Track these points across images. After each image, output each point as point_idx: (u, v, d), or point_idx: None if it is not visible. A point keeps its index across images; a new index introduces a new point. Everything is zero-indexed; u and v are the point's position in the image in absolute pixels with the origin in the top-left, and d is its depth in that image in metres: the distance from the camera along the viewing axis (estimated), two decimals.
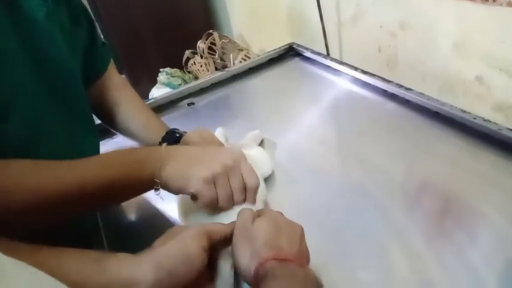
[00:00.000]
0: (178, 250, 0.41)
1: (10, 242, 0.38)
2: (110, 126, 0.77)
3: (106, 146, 0.93)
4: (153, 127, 0.72)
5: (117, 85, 0.75)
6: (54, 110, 0.54)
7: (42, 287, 0.24)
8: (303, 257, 0.43)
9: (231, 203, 0.54)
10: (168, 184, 0.52)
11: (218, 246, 0.45)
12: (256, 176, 0.56)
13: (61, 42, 0.55)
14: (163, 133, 0.70)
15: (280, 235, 0.43)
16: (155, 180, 0.52)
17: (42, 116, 0.52)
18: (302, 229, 0.46)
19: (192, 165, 0.52)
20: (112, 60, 0.77)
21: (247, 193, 0.55)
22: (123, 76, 0.81)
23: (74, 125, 0.58)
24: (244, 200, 0.55)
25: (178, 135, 0.70)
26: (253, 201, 0.55)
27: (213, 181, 0.52)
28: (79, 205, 0.48)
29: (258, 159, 0.73)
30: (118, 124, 0.74)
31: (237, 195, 0.54)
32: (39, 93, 0.52)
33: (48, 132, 0.53)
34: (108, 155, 0.53)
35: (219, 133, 0.81)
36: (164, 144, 0.56)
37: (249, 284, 0.41)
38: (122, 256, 0.42)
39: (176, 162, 0.52)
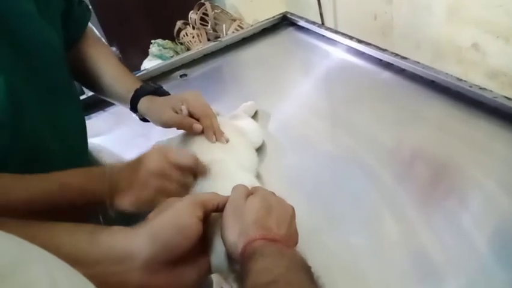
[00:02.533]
0: (172, 221, 0.41)
1: None
2: (88, 87, 0.76)
3: (99, 119, 0.92)
4: (125, 78, 0.72)
5: (91, 43, 0.73)
6: (33, 83, 0.53)
7: (30, 256, 0.23)
8: (291, 238, 0.43)
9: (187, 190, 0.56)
10: (123, 212, 0.52)
11: (212, 219, 0.45)
12: (188, 154, 0.57)
13: (33, 13, 0.53)
14: (136, 85, 0.70)
15: (270, 215, 0.43)
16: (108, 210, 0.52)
17: (21, 89, 0.51)
18: (293, 210, 0.46)
19: (129, 192, 0.51)
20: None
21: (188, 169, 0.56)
22: (95, 32, 0.79)
23: (55, 96, 0.57)
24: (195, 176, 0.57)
25: (152, 88, 0.70)
26: (203, 171, 0.57)
27: (159, 194, 0.52)
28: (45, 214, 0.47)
29: (248, 130, 0.73)
30: (91, 80, 0.72)
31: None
32: (15, 66, 0.50)
33: (30, 105, 0.52)
34: (55, 177, 0.50)
35: None
36: (106, 169, 0.53)
37: (234, 259, 0.41)
38: (117, 229, 0.41)
39: (123, 195, 0.51)
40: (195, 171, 0.57)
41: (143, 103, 0.68)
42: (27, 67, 0.52)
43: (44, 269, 0.23)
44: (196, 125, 0.64)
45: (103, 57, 0.72)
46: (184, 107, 0.65)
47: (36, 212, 0.46)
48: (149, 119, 0.69)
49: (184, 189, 0.55)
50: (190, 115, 0.65)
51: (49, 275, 0.23)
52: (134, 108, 0.69)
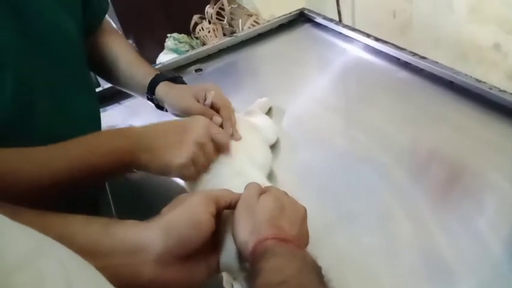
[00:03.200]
0: (186, 216, 0.41)
1: (14, 207, 0.38)
2: (104, 76, 0.75)
3: (114, 111, 0.93)
4: (143, 65, 0.71)
5: (108, 33, 0.73)
6: (47, 71, 0.52)
7: (43, 247, 0.24)
8: (302, 239, 0.43)
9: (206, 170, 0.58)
10: (149, 171, 0.53)
11: (224, 216, 0.45)
12: (224, 132, 0.60)
13: (51, 3, 0.53)
14: (154, 72, 0.69)
15: (282, 215, 0.42)
16: (134, 169, 0.52)
17: (34, 77, 0.50)
18: (305, 211, 0.46)
19: (166, 151, 0.53)
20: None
21: (222, 149, 0.59)
22: (112, 24, 0.78)
23: (70, 87, 0.57)
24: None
25: (172, 75, 0.70)
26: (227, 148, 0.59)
27: (191, 163, 0.53)
28: (69, 188, 0.48)
29: (263, 127, 0.73)
30: (108, 68, 0.71)
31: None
32: (29, 53, 0.50)
33: (43, 93, 0.52)
34: (82, 141, 0.51)
35: None
36: (133, 127, 0.54)
37: (244, 258, 0.41)
38: (131, 222, 0.42)
39: (150, 150, 0.52)
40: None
41: (162, 87, 0.67)
42: (40, 52, 0.52)
43: (58, 260, 0.24)
44: (217, 117, 0.63)
45: (120, 46, 0.72)
46: (210, 96, 0.64)
47: (75, 183, 0.47)
48: (165, 105, 0.68)
49: (207, 166, 0.57)
50: (211, 106, 0.65)
51: (62, 266, 0.23)
52: (151, 91, 0.68)
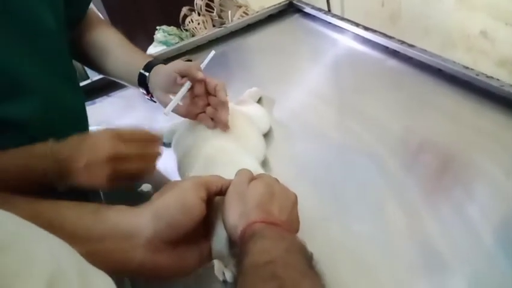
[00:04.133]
0: (176, 200, 0.41)
1: (4, 194, 0.38)
2: (93, 67, 0.73)
3: (103, 104, 0.92)
4: (134, 53, 0.69)
5: (95, 23, 0.71)
6: (31, 64, 0.51)
7: (28, 230, 0.24)
8: (292, 225, 0.43)
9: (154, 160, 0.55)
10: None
11: (215, 203, 0.45)
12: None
13: None
14: (147, 58, 0.67)
15: (272, 200, 0.43)
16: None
17: (19, 71, 0.49)
18: (296, 198, 0.46)
19: (92, 175, 0.48)
20: None
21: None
22: (99, 15, 0.77)
23: (54, 78, 0.55)
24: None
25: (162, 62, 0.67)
26: None
27: (123, 176, 0.50)
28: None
29: (256, 116, 0.73)
30: (98, 58, 0.69)
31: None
32: (11, 46, 0.49)
33: (28, 87, 0.51)
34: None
35: None
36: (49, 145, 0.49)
37: (234, 242, 0.42)
38: (121, 207, 0.42)
39: (78, 173, 0.48)
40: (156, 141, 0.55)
41: (153, 71, 0.65)
42: (22, 45, 0.50)
43: (43, 242, 0.24)
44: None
45: (109, 34, 0.70)
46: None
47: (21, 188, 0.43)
48: (152, 89, 0.66)
49: (150, 161, 0.54)
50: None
51: (48, 247, 0.23)
52: (144, 79, 0.66)
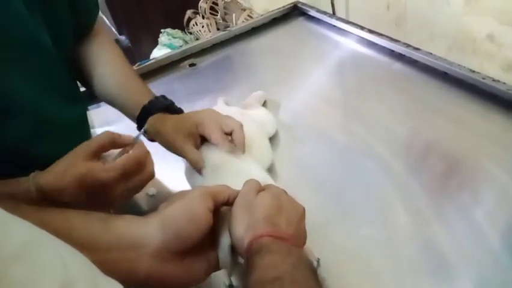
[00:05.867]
0: (183, 210, 0.41)
1: (13, 202, 0.38)
2: (89, 90, 0.68)
3: (108, 107, 0.92)
4: (134, 88, 0.64)
5: (100, 41, 0.67)
6: (24, 83, 0.49)
7: (40, 238, 0.23)
8: (299, 238, 0.43)
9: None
10: None
11: (222, 213, 0.45)
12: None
13: (19, 11, 0.48)
14: (144, 98, 0.62)
15: (280, 213, 0.42)
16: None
17: (12, 91, 0.48)
18: (303, 210, 0.45)
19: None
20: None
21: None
22: (108, 33, 0.73)
23: (49, 96, 0.52)
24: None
25: (162, 104, 0.62)
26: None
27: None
28: None
29: (262, 119, 0.72)
30: (95, 85, 0.65)
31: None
32: (5, 65, 0.47)
33: (20, 107, 0.49)
34: None
35: (220, 102, 0.80)
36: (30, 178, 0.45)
37: (240, 254, 0.41)
38: (129, 217, 0.41)
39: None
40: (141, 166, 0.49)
41: (152, 123, 0.60)
42: (12, 63, 0.48)
43: (54, 250, 0.23)
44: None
45: (109, 60, 0.66)
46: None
47: None
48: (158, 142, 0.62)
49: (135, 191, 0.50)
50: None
51: (59, 256, 0.23)
52: (141, 126, 0.61)
